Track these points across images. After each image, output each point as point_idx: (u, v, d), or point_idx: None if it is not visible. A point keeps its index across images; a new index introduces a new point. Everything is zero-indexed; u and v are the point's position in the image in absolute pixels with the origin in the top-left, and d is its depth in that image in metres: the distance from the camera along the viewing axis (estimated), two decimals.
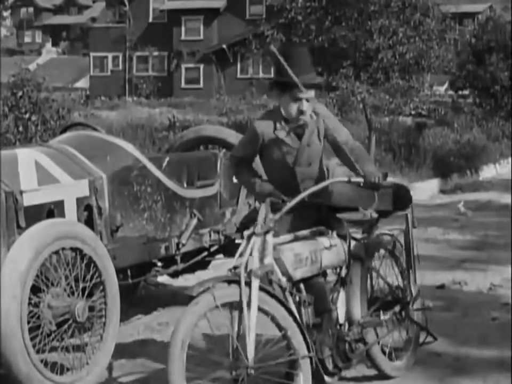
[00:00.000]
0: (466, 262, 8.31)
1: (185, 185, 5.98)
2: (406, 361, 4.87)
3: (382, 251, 4.75)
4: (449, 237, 9.89)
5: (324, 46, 14.33)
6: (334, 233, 4.31)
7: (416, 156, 17.01)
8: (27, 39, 77.98)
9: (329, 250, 4.21)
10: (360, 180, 4.17)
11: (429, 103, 24.61)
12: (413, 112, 22.06)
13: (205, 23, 45.35)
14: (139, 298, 6.70)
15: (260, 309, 3.79)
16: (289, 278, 4.02)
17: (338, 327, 4.30)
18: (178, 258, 5.81)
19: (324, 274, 4.29)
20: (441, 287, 7.17)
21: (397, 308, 4.71)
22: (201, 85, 44.40)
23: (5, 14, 72.04)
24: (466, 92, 26.62)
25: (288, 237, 4.13)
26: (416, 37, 14.46)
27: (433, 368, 4.98)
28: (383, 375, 4.72)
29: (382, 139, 17.77)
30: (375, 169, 4.27)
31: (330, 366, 4.17)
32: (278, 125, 4.37)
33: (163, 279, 6.94)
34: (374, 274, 4.64)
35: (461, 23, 28.67)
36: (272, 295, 3.84)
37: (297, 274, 4.04)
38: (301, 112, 4.29)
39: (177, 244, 5.73)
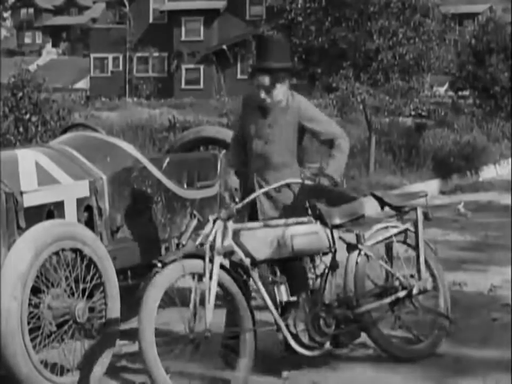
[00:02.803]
0: (466, 263, 8.30)
1: (185, 186, 5.99)
2: (425, 345, 5.15)
3: (392, 241, 5.03)
4: (449, 238, 9.89)
5: (324, 47, 14.32)
6: (318, 222, 4.63)
7: (416, 157, 16.98)
8: (27, 40, 78.00)
9: (304, 237, 4.55)
10: (310, 182, 4.68)
11: (429, 104, 24.55)
12: (413, 113, 22.00)
13: (205, 23, 45.36)
14: (139, 299, 6.68)
15: (218, 283, 4.34)
16: (253, 259, 4.48)
17: (322, 306, 4.65)
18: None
19: (301, 258, 4.70)
20: None
21: (401, 294, 4.94)
22: (202, 85, 44.42)
23: (5, 14, 72.01)
24: (466, 93, 26.59)
25: (256, 224, 4.60)
26: (416, 37, 14.44)
27: (434, 369, 4.99)
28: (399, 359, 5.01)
29: (382, 140, 17.75)
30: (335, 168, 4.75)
31: (305, 339, 4.56)
32: (253, 99, 4.90)
33: None
34: (373, 261, 4.89)
35: (461, 24, 28.68)
36: (229, 272, 4.41)
37: (260, 255, 4.50)
38: (262, 100, 4.78)
39: (177, 245, 5.71)
